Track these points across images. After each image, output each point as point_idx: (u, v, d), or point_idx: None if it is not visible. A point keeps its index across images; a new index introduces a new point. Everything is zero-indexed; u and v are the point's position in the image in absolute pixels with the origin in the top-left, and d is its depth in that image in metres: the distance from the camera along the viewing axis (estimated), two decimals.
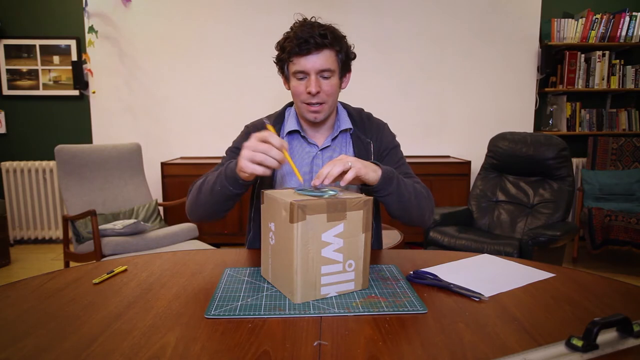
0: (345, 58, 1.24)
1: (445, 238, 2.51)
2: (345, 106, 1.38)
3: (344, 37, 1.24)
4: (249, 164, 0.98)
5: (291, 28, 1.21)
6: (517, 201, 2.78)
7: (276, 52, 1.25)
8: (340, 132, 1.32)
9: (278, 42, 1.24)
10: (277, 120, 1.34)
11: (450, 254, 1.24)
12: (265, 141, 0.98)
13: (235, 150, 1.31)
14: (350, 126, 1.32)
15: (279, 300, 0.90)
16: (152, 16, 3.63)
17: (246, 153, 0.99)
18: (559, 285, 0.99)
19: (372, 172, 1.06)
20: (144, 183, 3.07)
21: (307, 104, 1.23)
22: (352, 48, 1.27)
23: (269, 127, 1.07)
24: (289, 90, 1.28)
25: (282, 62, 1.24)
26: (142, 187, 3.04)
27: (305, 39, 1.15)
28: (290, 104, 1.37)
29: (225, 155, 1.34)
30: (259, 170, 0.98)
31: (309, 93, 1.20)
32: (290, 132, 1.32)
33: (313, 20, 1.22)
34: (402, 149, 1.39)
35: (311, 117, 1.25)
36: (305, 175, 1.28)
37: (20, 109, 3.77)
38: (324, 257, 0.90)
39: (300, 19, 1.22)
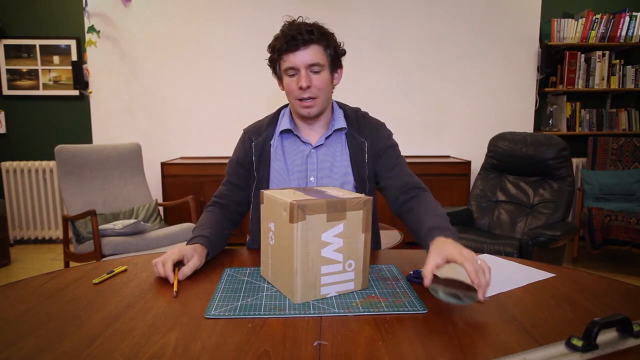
0: (335, 54, 1.27)
1: None
2: (342, 106, 1.39)
3: (332, 33, 1.27)
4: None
5: (280, 30, 1.25)
6: (517, 201, 2.78)
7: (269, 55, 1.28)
8: (335, 131, 1.33)
9: (269, 45, 1.27)
10: (272, 122, 1.37)
11: None
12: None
13: (234, 166, 1.36)
14: (345, 125, 1.33)
15: (279, 300, 0.90)
16: (152, 16, 3.63)
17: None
18: (559, 285, 0.99)
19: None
20: (144, 183, 3.07)
21: (300, 100, 1.25)
22: (341, 45, 1.30)
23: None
24: (284, 91, 1.30)
25: (274, 62, 1.28)
26: (142, 187, 3.04)
27: (292, 35, 1.20)
28: (285, 106, 1.40)
29: (227, 168, 1.39)
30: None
31: (300, 88, 1.22)
32: (284, 132, 1.33)
33: (300, 20, 1.26)
34: (402, 148, 1.39)
35: (304, 112, 1.27)
36: (299, 173, 1.31)
37: (20, 109, 3.77)
38: (324, 257, 0.90)
39: (289, 20, 1.26)
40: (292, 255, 0.87)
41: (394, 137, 1.39)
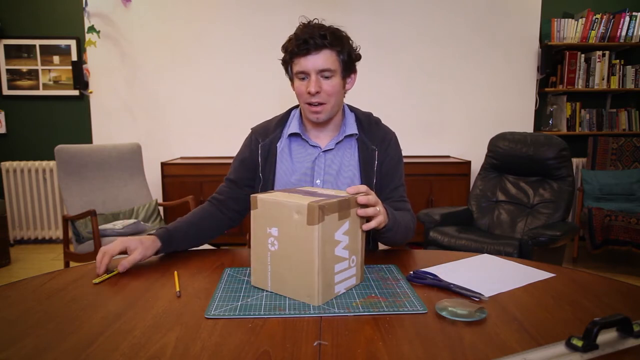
0: (348, 58, 1.25)
1: (445, 238, 2.51)
2: (353, 110, 1.38)
3: (347, 38, 1.25)
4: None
5: (295, 32, 1.23)
6: (517, 201, 2.78)
7: (282, 54, 1.27)
8: (346, 136, 1.32)
9: (282, 45, 1.25)
10: (280, 123, 1.35)
11: (450, 254, 1.25)
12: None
13: (237, 165, 1.37)
14: (356, 131, 1.32)
15: (279, 300, 0.90)
16: (152, 16, 3.63)
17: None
18: (559, 285, 0.99)
19: (384, 221, 1.05)
20: (144, 183, 3.07)
21: (309, 104, 1.24)
22: (357, 50, 1.28)
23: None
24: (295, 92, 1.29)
25: (286, 63, 1.26)
26: (142, 187, 3.04)
27: (305, 39, 1.18)
28: (297, 106, 1.38)
29: (231, 165, 1.40)
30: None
31: (309, 93, 1.21)
32: (292, 134, 1.32)
33: (316, 22, 1.23)
34: (402, 148, 1.39)
35: (313, 118, 1.26)
36: (305, 176, 1.30)
37: (20, 109, 3.77)
38: (336, 255, 0.90)
39: (305, 22, 1.23)
40: (313, 257, 0.86)
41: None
